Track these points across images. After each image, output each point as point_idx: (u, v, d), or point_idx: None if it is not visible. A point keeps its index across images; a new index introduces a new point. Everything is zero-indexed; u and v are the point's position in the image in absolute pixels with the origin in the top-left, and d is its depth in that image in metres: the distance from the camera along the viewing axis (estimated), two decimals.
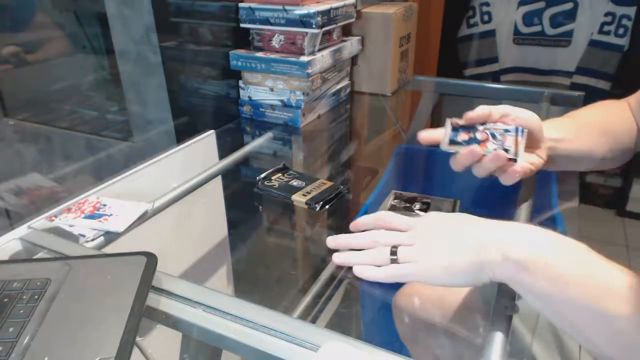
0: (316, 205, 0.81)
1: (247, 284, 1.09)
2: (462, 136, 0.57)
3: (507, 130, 0.56)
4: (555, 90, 1.23)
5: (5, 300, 0.45)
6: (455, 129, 0.58)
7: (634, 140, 0.65)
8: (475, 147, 0.55)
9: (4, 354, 0.40)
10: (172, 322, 0.48)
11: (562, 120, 0.65)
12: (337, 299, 0.71)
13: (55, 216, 0.64)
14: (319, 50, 1.18)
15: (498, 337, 0.45)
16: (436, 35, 2.10)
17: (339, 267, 0.68)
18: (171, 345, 0.53)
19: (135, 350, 0.44)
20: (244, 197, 0.99)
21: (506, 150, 0.55)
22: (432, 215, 0.55)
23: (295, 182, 0.87)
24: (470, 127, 0.58)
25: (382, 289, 0.82)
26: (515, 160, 0.55)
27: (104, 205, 0.67)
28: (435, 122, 1.42)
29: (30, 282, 0.47)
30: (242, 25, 1.18)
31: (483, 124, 0.58)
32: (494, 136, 0.56)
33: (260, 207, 0.96)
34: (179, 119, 1.06)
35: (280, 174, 0.91)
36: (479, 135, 0.57)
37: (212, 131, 0.97)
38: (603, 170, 2.39)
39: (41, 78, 1.40)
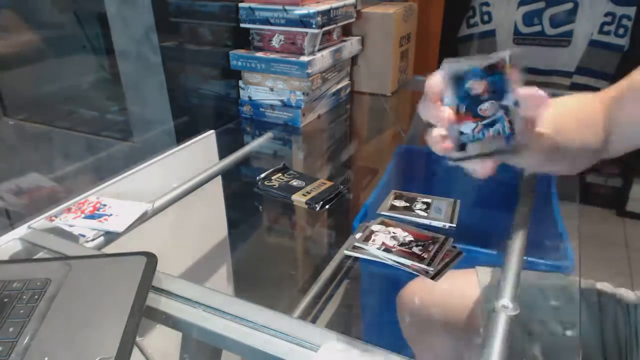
0: (316, 205, 0.81)
1: (247, 284, 1.09)
2: (478, 87, 0.40)
3: (509, 133, 0.40)
4: (555, 90, 1.23)
5: (5, 300, 0.45)
6: (491, 72, 0.39)
7: (598, 139, 0.55)
8: (444, 112, 0.40)
9: (4, 354, 0.40)
10: (172, 322, 0.48)
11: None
12: (337, 299, 0.71)
13: (55, 216, 0.64)
14: (319, 50, 1.18)
15: (498, 337, 0.45)
16: (436, 35, 2.10)
17: (339, 267, 0.68)
18: (171, 345, 0.53)
19: (135, 350, 0.44)
20: (244, 197, 0.99)
21: (461, 146, 0.41)
22: None
23: (295, 182, 0.87)
24: (505, 88, 0.40)
25: (382, 289, 0.82)
26: (452, 160, 0.42)
27: (104, 205, 0.67)
28: None
29: (30, 282, 0.47)
30: (242, 25, 1.18)
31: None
32: (494, 123, 0.40)
33: (260, 207, 0.96)
34: (179, 119, 1.06)
35: (280, 174, 0.91)
36: (484, 106, 0.40)
37: (212, 131, 0.97)
38: (604, 170, 2.39)
39: (41, 78, 1.40)
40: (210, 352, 0.53)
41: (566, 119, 0.53)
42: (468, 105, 0.40)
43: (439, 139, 0.41)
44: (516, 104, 0.40)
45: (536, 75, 2.29)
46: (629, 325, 0.63)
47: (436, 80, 0.40)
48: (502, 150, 0.41)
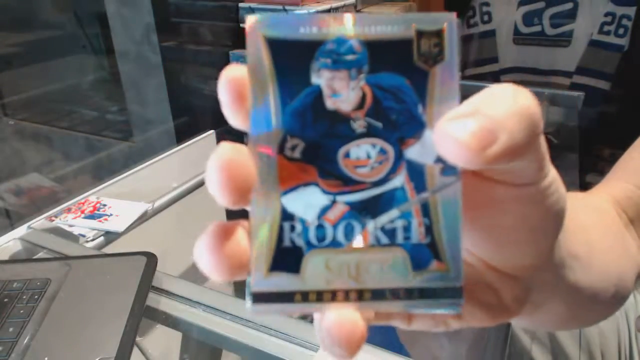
0: None
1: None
2: (341, 89, 0.16)
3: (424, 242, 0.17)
4: (555, 90, 1.24)
5: (5, 300, 0.45)
6: (383, 61, 0.16)
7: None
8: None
9: (4, 354, 0.40)
10: (172, 322, 0.48)
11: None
12: None
13: (55, 216, 0.64)
14: None
15: (498, 339, 0.45)
16: None
17: None
18: (171, 345, 0.53)
19: (135, 350, 0.44)
20: None
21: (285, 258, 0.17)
22: None
23: None
24: (415, 107, 0.16)
25: None
26: None
27: (104, 205, 0.67)
28: None
29: (30, 282, 0.48)
30: (242, 25, 1.18)
31: None
32: (386, 208, 0.17)
33: None
34: (179, 119, 1.06)
35: None
36: (359, 153, 0.17)
37: (212, 131, 0.97)
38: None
39: (41, 78, 1.40)
40: (210, 352, 0.53)
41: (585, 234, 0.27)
42: (315, 141, 0.16)
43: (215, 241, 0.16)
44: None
45: (536, 76, 2.29)
46: (628, 327, 0.63)
47: (236, 73, 0.16)
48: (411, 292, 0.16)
